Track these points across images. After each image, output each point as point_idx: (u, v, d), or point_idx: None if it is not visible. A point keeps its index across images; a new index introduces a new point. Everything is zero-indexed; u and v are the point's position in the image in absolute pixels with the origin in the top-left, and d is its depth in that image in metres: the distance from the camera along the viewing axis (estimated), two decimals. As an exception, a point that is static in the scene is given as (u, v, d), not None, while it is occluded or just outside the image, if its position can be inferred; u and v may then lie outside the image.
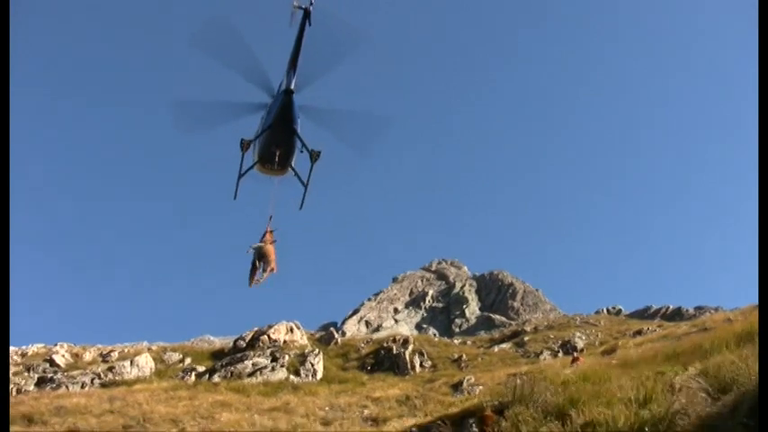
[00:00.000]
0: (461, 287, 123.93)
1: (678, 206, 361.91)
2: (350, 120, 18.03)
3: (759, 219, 7.17)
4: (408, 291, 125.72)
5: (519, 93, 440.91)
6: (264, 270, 20.37)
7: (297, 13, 16.48)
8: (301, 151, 18.08)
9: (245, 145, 18.00)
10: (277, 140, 17.79)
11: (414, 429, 15.50)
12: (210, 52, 17.33)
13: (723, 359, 13.10)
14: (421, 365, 51.35)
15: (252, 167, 18.34)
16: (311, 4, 16.43)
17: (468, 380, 39.32)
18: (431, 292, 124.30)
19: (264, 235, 20.01)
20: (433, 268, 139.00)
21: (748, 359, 12.02)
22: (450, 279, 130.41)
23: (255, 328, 52.78)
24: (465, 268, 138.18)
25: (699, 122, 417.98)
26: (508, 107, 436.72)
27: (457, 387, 38.21)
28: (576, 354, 41.98)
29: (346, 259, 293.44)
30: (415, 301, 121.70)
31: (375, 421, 28.08)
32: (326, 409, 31.72)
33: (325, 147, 18.23)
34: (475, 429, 14.74)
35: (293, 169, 18.58)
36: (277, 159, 17.90)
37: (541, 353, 54.85)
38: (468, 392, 32.85)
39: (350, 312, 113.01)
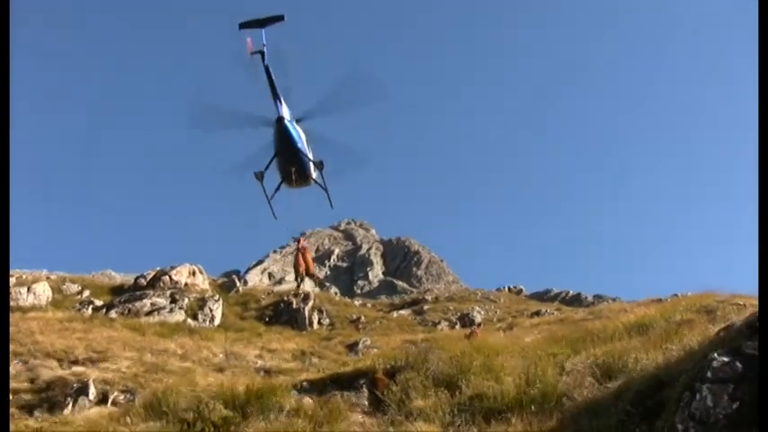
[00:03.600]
0: (368, 249, 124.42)
1: (588, 196, 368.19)
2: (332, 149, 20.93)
3: (759, 217, 7.36)
4: (314, 247, 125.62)
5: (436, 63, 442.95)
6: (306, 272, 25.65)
7: (255, 57, 18.42)
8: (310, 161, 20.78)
9: (258, 176, 20.21)
10: (287, 161, 20.17)
11: (305, 384, 15.53)
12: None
13: (613, 347, 13.44)
14: (319, 323, 51.44)
15: (279, 188, 20.95)
16: (264, 45, 18.32)
17: (364, 341, 39.60)
18: (336, 251, 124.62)
19: (298, 243, 25.11)
20: (342, 228, 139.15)
21: (637, 349, 12.37)
22: (358, 240, 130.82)
23: (158, 268, 52.00)
24: (373, 231, 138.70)
25: (609, 108, 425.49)
26: (430, 78, 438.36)
27: (352, 347, 38.45)
28: (474, 327, 42.46)
29: (255, 209, 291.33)
30: (319, 259, 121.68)
31: (268, 372, 28.08)
32: (221, 356, 31.65)
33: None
34: (365, 390, 14.84)
35: (315, 180, 21.29)
36: (295, 176, 20.45)
37: (439, 323, 55.31)
38: (363, 354, 33.06)
39: (254, 262, 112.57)
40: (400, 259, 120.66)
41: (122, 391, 23.25)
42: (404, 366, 15.20)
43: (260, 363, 31.15)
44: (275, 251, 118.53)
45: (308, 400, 13.77)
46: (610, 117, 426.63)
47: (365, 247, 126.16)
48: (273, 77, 18.85)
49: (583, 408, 10.53)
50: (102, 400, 22.84)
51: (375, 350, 33.62)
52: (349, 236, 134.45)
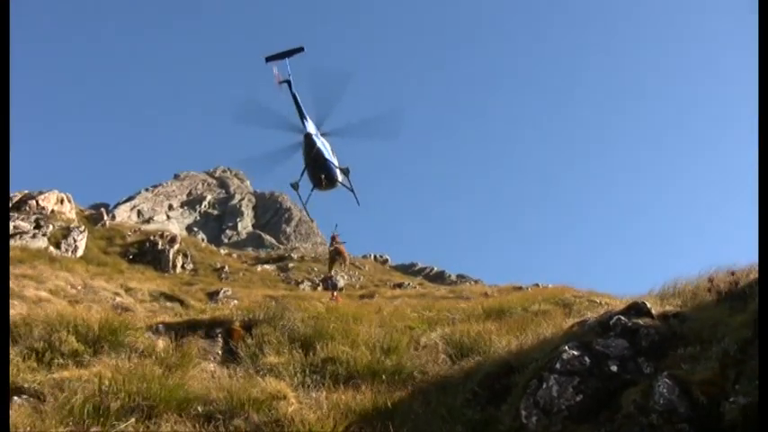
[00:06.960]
0: (240, 200, 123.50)
1: (465, 176, 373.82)
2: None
3: (759, 216, 7.60)
4: (187, 191, 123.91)
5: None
6: (343, 263, 30.74)
7: (283, 85, 21.90)
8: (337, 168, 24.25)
9: (294, 186, 24.13)
10: (317, 171, 23.62)
11: (161, 326, 15.37)
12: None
13: (469, 328, 13.71)
14: (183, 267, 51.06)
15: (312, 193, 24.72)
16: (289, 75, 21.91)
17: (225, 291, 39.36)
18: (209, 198, 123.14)
19: (333, 239, 28.45)
20: (217, 174, 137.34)
21: (491, 332, 12.68)
22: (231, 189, 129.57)
23: (25, 191, 50.24)
24: (248, 183, 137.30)
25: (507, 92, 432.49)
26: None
27: (213, 296, 38.12)
28: (335, 293, 42.59)
29: (130, 147, 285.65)
30: (191, 203, 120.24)
31: (125, 310, 27.58)
32: (79, 287, 30.95)
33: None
34: (221, 340, 14.82)
35: (342, 183, 24.69)
36: (324, 181, 24.03)
37: (302, 282, 55.48)
38: (223, 303, 32.86)
39: (124, 198, 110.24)
40: (271, 214, 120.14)
41: (-28, 314, 22.54)
42: (261, 320, 15.22)
43: (117, 299, 30.56)
44: (147, 189, 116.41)
45: (161, 343, 13.62)
46: (509, 100, 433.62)
47: (238, 197, 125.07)
48: (299, 101, 22.04)
49: (433, 383, 10.74)
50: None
51: (235, 301, 33.42)
52: (223, 183, 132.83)
